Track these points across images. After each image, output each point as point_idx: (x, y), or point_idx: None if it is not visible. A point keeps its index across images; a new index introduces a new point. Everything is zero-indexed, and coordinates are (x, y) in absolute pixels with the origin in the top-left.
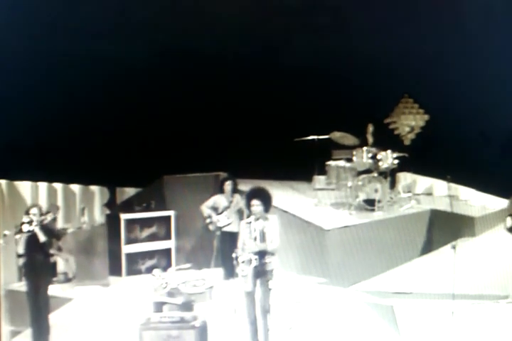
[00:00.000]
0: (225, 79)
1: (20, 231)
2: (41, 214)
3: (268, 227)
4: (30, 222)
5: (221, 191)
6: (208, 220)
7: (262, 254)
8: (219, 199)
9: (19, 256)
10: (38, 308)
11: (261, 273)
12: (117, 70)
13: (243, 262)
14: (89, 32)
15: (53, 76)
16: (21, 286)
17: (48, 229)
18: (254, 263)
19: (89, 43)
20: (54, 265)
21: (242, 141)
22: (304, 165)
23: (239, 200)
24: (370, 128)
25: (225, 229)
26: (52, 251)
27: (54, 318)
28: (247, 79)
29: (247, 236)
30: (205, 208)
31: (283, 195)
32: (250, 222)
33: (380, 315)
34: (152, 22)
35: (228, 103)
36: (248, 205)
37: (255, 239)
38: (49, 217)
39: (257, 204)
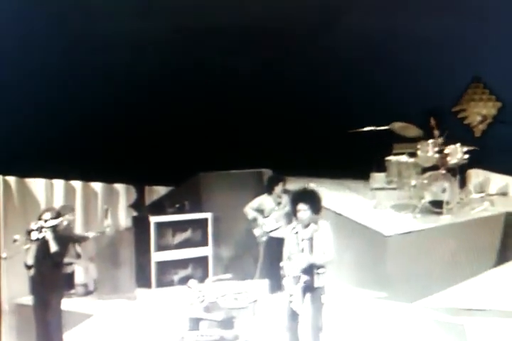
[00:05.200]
0: (276, 68)
1: (29, 239)
2: (53, 219)
3: (319, 236)
4: (39, 229)
5: (268, 191)
6: (253, 224)
7: (311, 268)
8: (265, 200)
9: (28, 267)
10: (46, 326)
11: (311, 288)
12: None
13: (290, 279)
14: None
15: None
16: (31, 300)
17: (62, 236)
18: (303, 280)
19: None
20: (71, 275)
21: (288, 132)
22: (360, 160)
23: (287, 201)
24: (433, 119)
25: (273, 234)
26: (69, 260)
27: (69, 338)
28: (298, 67)
29: (294, 248)
30: (250, 210)
31: (336, 195)
32: (297, 232)
33: (449, 334)
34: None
35: (273, 90)
36: (294, 210)
37: (303, 250)
38: (65, 222)
39: (304, 210)
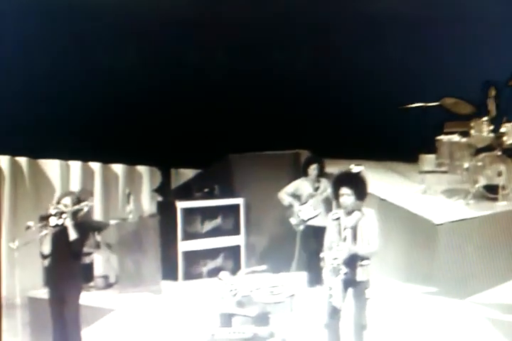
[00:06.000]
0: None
1: (46, 225)
2: (74, 204)
3: (363, 224)
4: (59, 214)
5: (304, 174)
6: (288, 211)
7: (354, 259)
8: (302, 185)
9: (44, 257)
10: (63, 322)
11: (353, 282)
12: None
13: (330, 271)
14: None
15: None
16: (46, 293)
17: (82, 224)
18: (344, 272)
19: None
20: (90, 266)
21: (327, 109)
22: (407, 140)
23: (327, 186)
24: (492, 92)
25: (311, 222)
26: (88, 249)
27: (88, 334)
28: (343, 39)
29: (336, 237)
30: (285, 195)
31: (381, 179)
32: (339, 218)
33: (505, 334)
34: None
35: (315, 65)
36: (336, 195)
37: (345, 239)
38: (85, 208)
39: (347, 194)
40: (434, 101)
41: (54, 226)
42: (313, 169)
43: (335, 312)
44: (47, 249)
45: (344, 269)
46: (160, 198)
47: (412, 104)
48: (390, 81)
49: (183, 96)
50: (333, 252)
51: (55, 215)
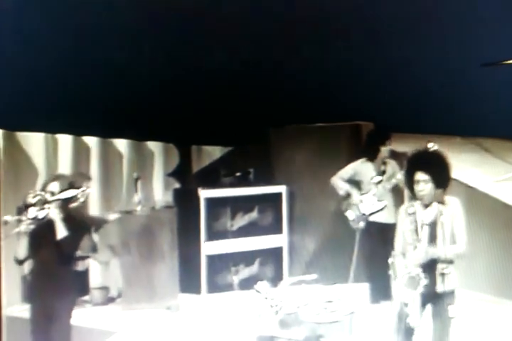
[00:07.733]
0: None
1: (23, 219)
2: (63, 191)
3: (445, 219)
4: (40, 204)
5: (368, 154)
6: (344, 202)
7: (434, 266)
8: (362, 168)
9: (19, 262)
10: None
11: (434, 296)
12: None
13: (403, 282)
14: None
15: None
16: (26, 311)
17: (75, 218)
18: (423, 284)
19: None
20: (84, 275)
21: (396, 69)
22: (501, 109)
23: (395, 169)
24: None
25: (374, 217)
26: (81, 252)
27: None
28: None
29: (410, 237)
30: (341, 181)
31: (467, 160)
32: (414, 212)
33: None
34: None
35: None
36: (409, 182)
37: (423, 240)
38: (80, 196)
39: (424, 181)
40: None
41: (33, 219)
42: (383, 148)
43: (408, 335)
44: (23, 251)
45: (424, 280)
46: (177, 185)
47: (505, 60)
48: (477, 34)
49: (208, 63)
50: (408, 257)
51: (35, 205)
